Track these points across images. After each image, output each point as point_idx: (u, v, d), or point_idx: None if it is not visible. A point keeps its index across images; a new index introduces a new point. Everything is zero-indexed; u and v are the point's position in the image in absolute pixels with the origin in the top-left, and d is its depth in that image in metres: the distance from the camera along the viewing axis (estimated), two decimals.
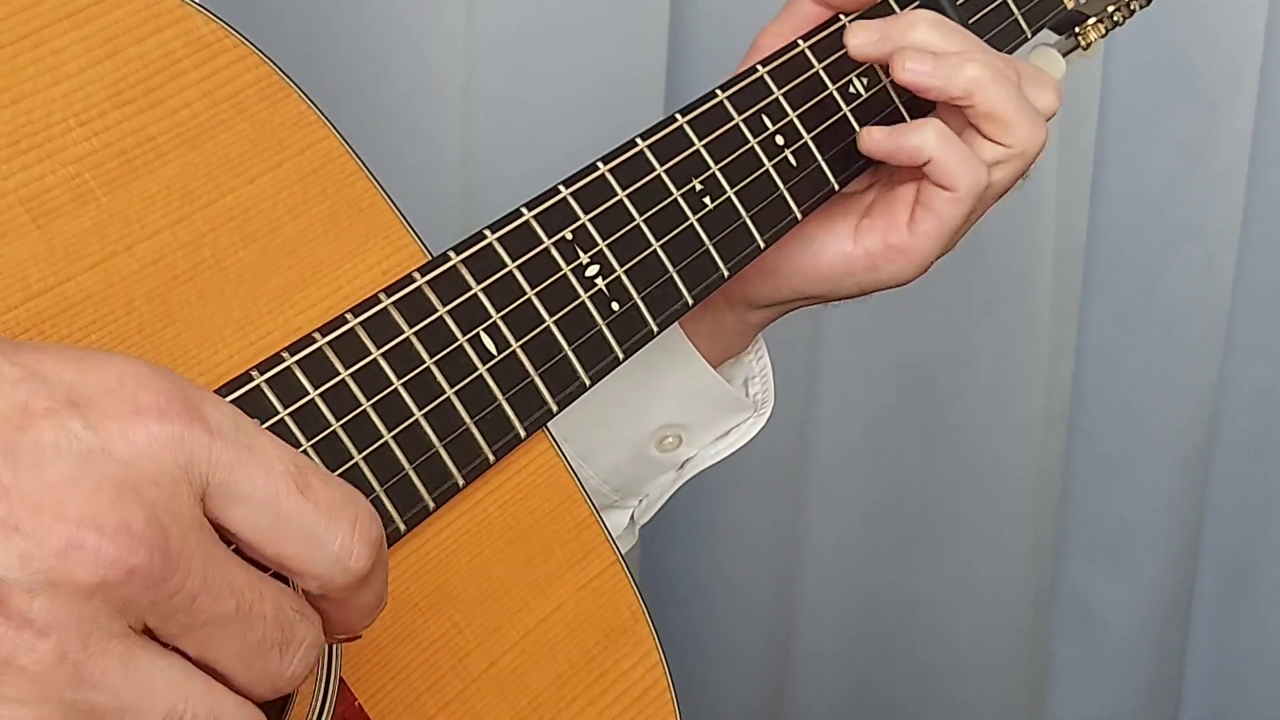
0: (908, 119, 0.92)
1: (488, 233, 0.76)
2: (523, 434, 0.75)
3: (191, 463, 0.53)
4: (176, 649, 0.53)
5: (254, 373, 0.67)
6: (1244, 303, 1.92)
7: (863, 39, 0.90)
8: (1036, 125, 0.90)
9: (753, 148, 0.86)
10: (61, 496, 0.51)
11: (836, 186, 0.89)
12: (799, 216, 0.87)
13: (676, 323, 0.96)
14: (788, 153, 0.88)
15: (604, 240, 0.79)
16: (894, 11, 0.93)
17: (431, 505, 0.71)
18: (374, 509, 0.57)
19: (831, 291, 0.94)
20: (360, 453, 0.69)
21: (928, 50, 0.89)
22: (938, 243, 0.91)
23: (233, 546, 0.55)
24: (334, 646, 0.68)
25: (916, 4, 0.94)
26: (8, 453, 0.51)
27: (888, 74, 0.91)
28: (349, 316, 0.70)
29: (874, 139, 0.90)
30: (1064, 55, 1.01)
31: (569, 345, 0.77)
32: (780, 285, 0.94)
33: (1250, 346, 1.95)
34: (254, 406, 0.67)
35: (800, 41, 0.90)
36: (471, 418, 0.73)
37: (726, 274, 0.84)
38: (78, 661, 0.51)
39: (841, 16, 0.92)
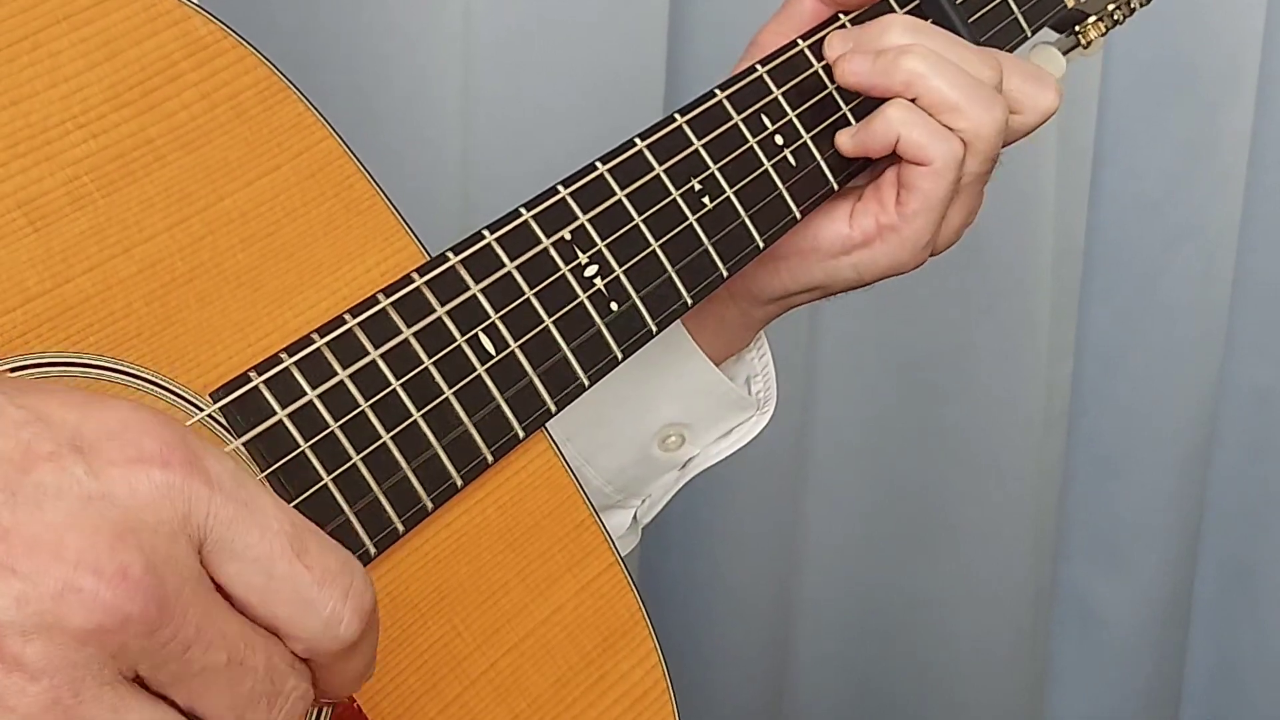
0: None
1: (486, 233, 0.76)
2: (521, 434, 0.75)
3: (190, 514, 0.53)
4: (165, 698, 0.53)
5: (252, 374, 0.67)
6: (1243, 303, 1.92)
7: (836, 48, 0.90)
8: (988, 106, 0.89)
9: (752, 147, 0.86)
10: (60, 538, 0.51)
11: (835, 186, 0.89)
12: (798, 216, 0.87)
13: (679, 321, 0.96)
14: (787, 152, 0.87)
15: (603, 240, 0.79)
16: (894, 12, 0.93)
17: (430, 506, 0.71)
18: (369, 578, 0.57)
19: (832, 280, 0.94)
20: (359, 453, 0.69)
21: (875, 49, 0.89)
22: (926, 219, 0.90)
23: None
24: None
25: (915, 3, 0.94)
26: (8, 494, 0.51)
27: None
28: (347, 317, 0.70)
29: (844, 140, 0.90)
30: (1064, 54, 1.01)
31: (568, 345, 0.77)
32: (781, 275, 0.94)
33: (1250, 346, 1.95)
34: (253, 407, 0.67)
35: (800, 41, 0.90)
36: (470, 418, 0.73)
37: (725, 274, 0.84)
38: (69, 707, 0.51)
39: (841, 15, 0.92)
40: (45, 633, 0.50)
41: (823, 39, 0.90)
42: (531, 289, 0.76)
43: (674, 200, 0.82)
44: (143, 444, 0.53)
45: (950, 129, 0.89)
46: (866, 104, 0.91)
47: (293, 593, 0.55)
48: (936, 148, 0.88)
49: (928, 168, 0.89)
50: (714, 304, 0.97)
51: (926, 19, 0.94)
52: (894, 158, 0.90)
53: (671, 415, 0.99)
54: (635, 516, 1.03)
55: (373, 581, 0.57)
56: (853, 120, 0.90)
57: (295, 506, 0.66)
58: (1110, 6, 1.03)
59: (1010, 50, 0.97)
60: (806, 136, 0.88)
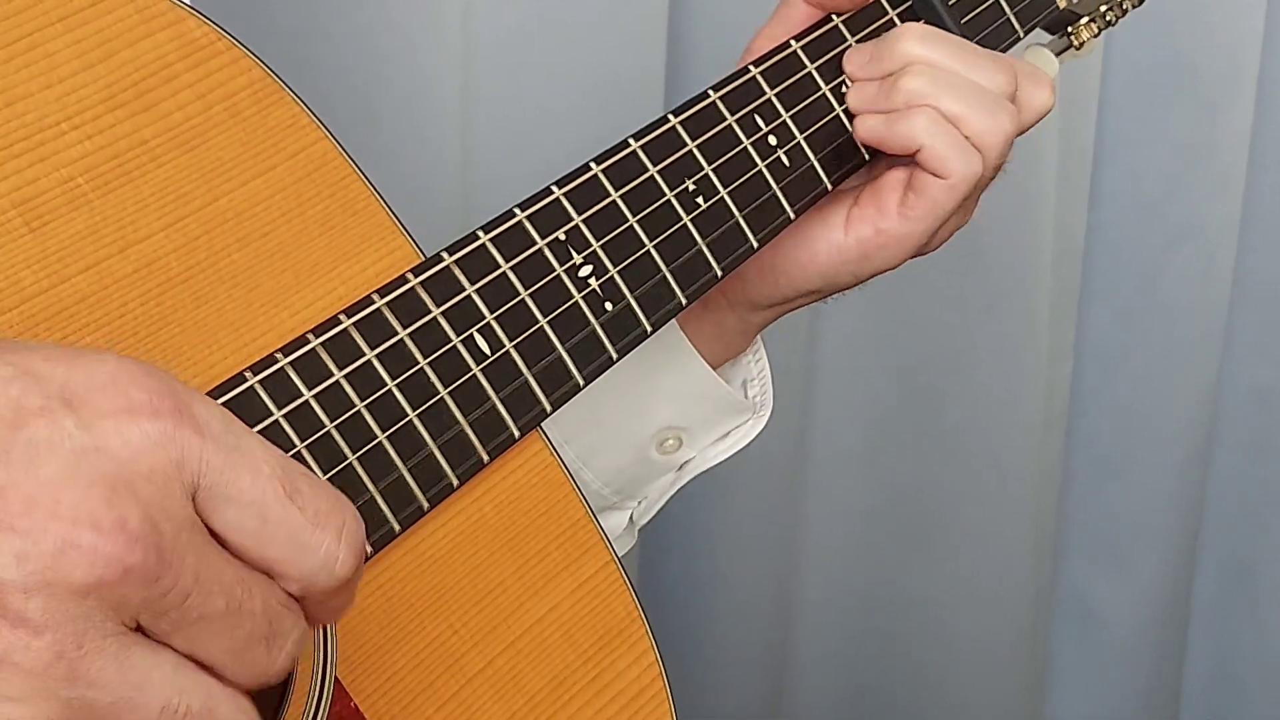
0: None
1: (481, 233, 0.76)
2: (517, 434, 0.75)
3: (183, 461, 0.53)
4: (167, 644, 0.54)
5: (248, 374, 0.67)
6: (1243, 303, 1.92)
7: (856, 63, 0.90)
8: (995, 116, 0.89)
9: (745, 148, 0.86)
10: (56, 494, 0.51)
11: (829, 186, 0.89)
12: (792, 216, 0.88)
13: (676, 324, 0.96)
14: (780, 153, 0.88)
15: (597, 240, 0.79)
16: (886, 13, 0.93)
17: (426, 506, 0.71)
18: (359, 514, 0.57)
19: (828, 285, 0.94)
20: (354, 453, 0.69)
21: (886, 69, 0.90)
22: (927, 225, 0.90)
23: None
24: (329, 648, 0.68)
25: (907, 4, 0.94)
26: (2, 451, 0.51)
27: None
28: (343, 317, 0.70)
29: (867, 125, 0.90)
30: (1057, 55, 1.01)
31: (562, 345, 0.77)
32: (778, 282, 0.94)
33: (1250, 346, 1.95)
34: (248, 407, 0.67)
35: (793, 42, 0.90)
36: (465, 418, 0.73)
37: (720, 274, 0.84)
38: (73, 660, 0.51)
39: (834, 17, 0.92)
40: (46, 589, 0.51)
41: (817, 39, 0.90)
42: (526, 289, 0.76)
43: (668, 201, 0.83)
44: (131, 394, 0.53)
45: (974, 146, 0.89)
46: None
47: (287, 535, 0.55)
48: (957, 162, 0.88)
49: (945, 180, 0.89)
50: (711, 310, 0.97)
51: (918, 20, 0.94)
52: (894, 158, 0.91)
53: (668, 418, 0.99)
54: (632, 518, 1.03)
55: (361, 517, 0.57)
56: (846, 121, 0.90)
57: None
58: (1102, 7, 1.03)
59: (1003, 51, 0.98)
60: (800, 137, 0.88)
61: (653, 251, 0.81)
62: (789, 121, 0.88)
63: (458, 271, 0.74)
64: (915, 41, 0.90)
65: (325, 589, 0.56)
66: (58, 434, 0.52)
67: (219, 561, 0.54)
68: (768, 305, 0.97)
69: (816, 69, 0.90)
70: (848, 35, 0.91)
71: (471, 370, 0.74)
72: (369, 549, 0.69)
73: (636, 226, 0.81)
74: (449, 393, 0.73)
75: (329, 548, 0.55)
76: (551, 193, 0.78)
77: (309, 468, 0.68)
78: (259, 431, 0.66)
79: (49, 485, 0.51)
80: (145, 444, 0.53)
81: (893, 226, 0.90)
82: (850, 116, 0.90)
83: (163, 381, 0.54)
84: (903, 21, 0.94)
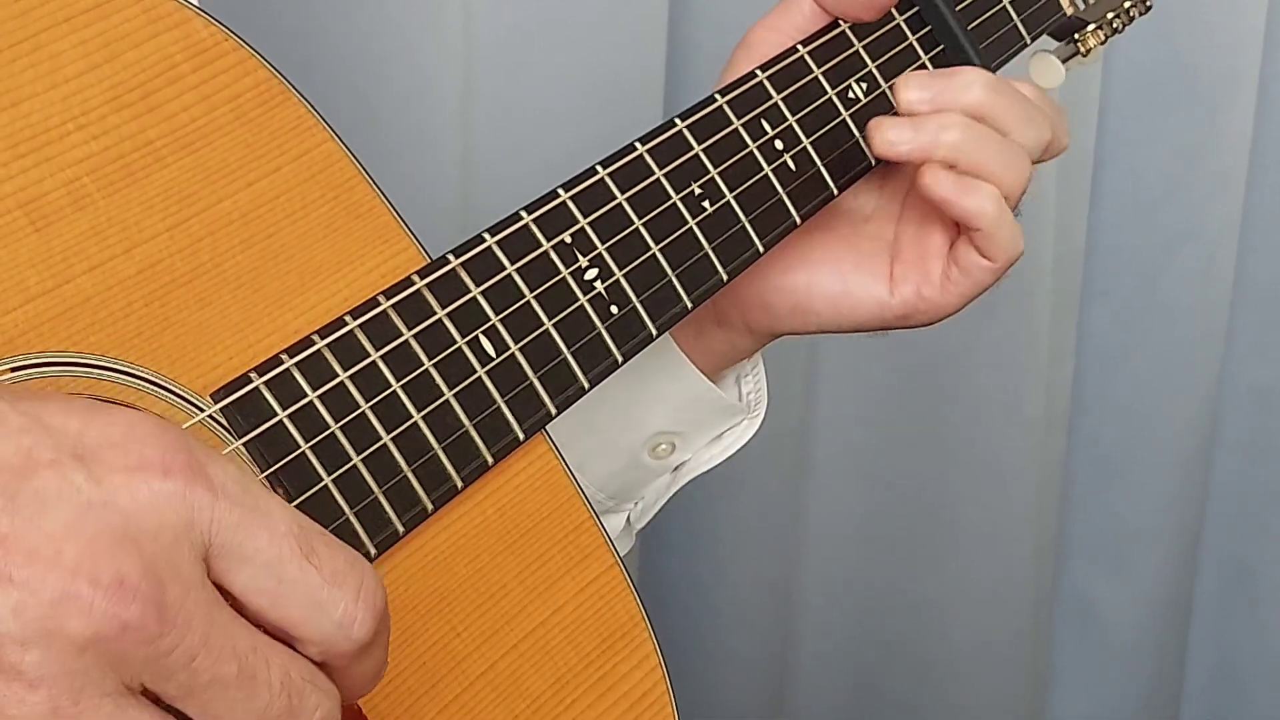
0: None
1: (487, 236, 0.76)
2: (521, 436, 0.75)
3: (194, 521, 0.53)
4: (180, 711, 0.53)
5: (253, 374, 0.67)
6: (1244, 303, 1.92)
7: (914, 93, 0.90)
8: (1019, 168, 0.89)
9: (752, 152, 0.86)
10: (58, 546, 0.51)
11: (836, 192, 0.89)
12: (798, 221, 0.87)
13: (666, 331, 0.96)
14: (787, 157, 0.87)
15: (603, 244, 0.79)
16: (894, 19, 0.93)
17: (430, 507, 0.71)
18: (378, 576, 0.56)
19: (857, 329, 0.95)
20: (359, 454, 0.69)
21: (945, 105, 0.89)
22: (967, 300, 0.92)
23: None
24: None
25: (915, 10, 0.94)
26: (8, 500, 0.51)
27: (890, 85, 0.91)
28: (348, 319, 0.70)
29: (939, 180, 0.88)
30: (1063, 62, 1.01)
31: (568, 348, 0.77)
32: (809, 323, 0.95)
33: (1250, 347, 1.95)
34: (253, 408, 0.67)
35: (800, 46, 0.90)
36: (470, 420, 0.73)
37: (725, 278, 0.84)
38: (68, 715, 0.51)
39: (840, 22, 0.91)
40: (43, 641, 0.50)
41: (824, 44, 0.90)
42: (532, 291, 0.76)
43: (674, 204, 0.82)
44: (144, 452, 0.53)
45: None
46: (867, 110, 0.91)
47: (304, 595, 0.54)
48: (1008, 250, 0.89)
49: (990, 265, 0.89)
50: (728, 332, 0.97)
51: (926, 27, 0.94)
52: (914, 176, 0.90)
53: (661, 424, 0.99)
54: (629, 520, 1.03)
55: (381, 579, 0.57)
56: (853, 125, 0.90)
57: (295, 507, 0.67)
58: (1109, 15, 1.03)
59: (1009, 59, 0.97)
60: (806, 142, 0.88)
61: (658, 255, 0.81)
62: (795, 126, 0.88)
63: (463, 274, 0.74)
64: (982, 89, 0.89)
65: (345, 652, 0.55)
66: (66, 487, 0.52)
67: (230, 624, 0.53)
68: (774, 336, 0.97)
69: (823, 74, 0.90)
70: (854, 40, 0.91)
71: (476, 372, 0.74)
72: (373, 551, 0.69)
73: (642, 230, 0.81)
74: (454, 395, 0.73)
75: (346, 609, 0.55)
76: (558, 195, 0.78)
77: (314, 468, 0.68)
78: (264, 432, 0.67)
79: (52, 537, 0.51)
80: (154, 502, 0.52)
81: (934, 295, 0.92)
82: (856, 122, 0.90)
83: (178, 440, 0.54)
84: (910, 29, 0.93)
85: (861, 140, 0.90)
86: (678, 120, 0.84)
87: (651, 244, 0.81)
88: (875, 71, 0.92)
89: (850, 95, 0.91)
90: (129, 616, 0.51)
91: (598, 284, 0.79)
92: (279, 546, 0.54)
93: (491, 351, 0.74)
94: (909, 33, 0.94)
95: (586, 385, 0.78)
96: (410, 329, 0.72)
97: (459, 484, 0.72)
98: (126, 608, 0.51)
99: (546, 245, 0.77)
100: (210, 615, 0.52)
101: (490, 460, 0.74)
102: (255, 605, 0.54)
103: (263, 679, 0.53)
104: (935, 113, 0.88)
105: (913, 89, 0.90)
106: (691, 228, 0.83)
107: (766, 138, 0.87)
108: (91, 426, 0.53)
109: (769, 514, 1.71)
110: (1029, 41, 0.99)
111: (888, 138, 0.88)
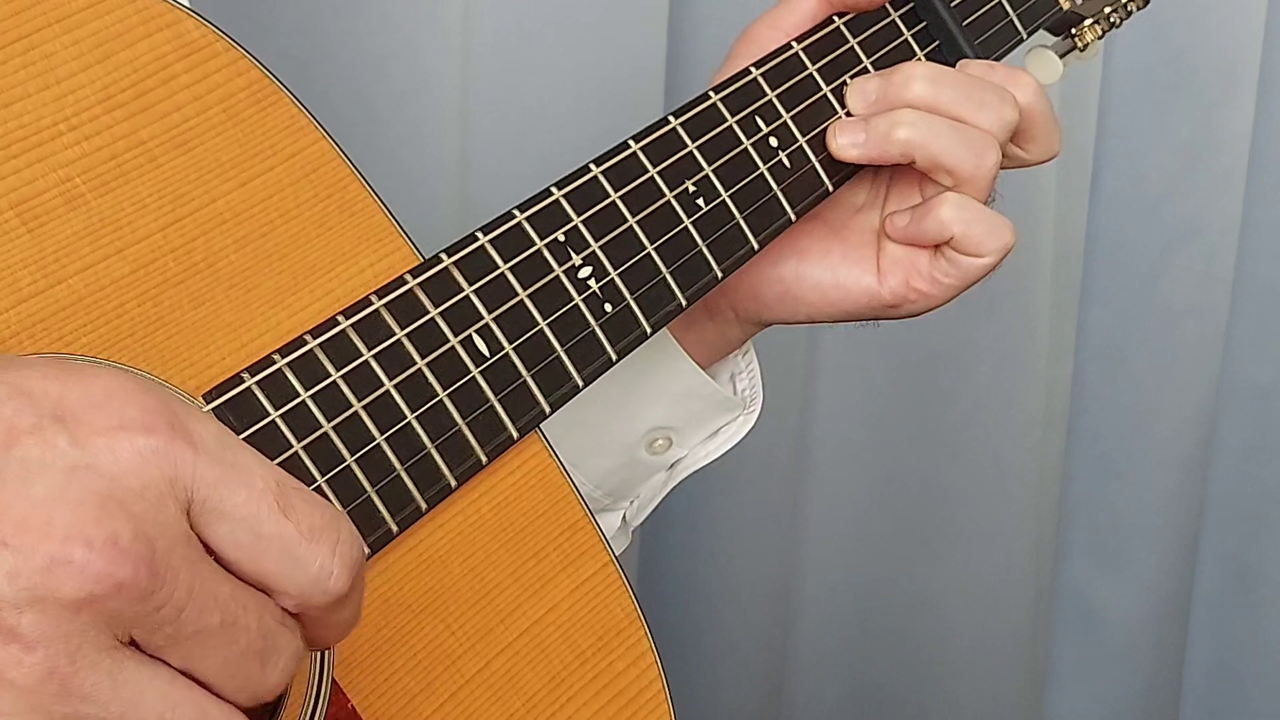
0: None
1: (480, 234, 0.76)
2: (515, 435, 0.75)
3: (176, 477, 0.53)
4: (161, 660, 0.54)
5: (245, 374, 0.67)
6: (1243, 303, 1.92)
7: (857, 100, 0.90)
8: (980, 154, 0.89)
9: (746, 149, 0.86)
10: (47, 512, 0.51)
11: (831, 188, 0.89)
12: (793, 218, 0.87)
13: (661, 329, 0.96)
14: (782, 154, 0.87)
15: (597, 242, 0.79)
16: (889, 15, 0.93)
17: (424, 506, 0.71)
18: (355, 530, 0.57)
19: (847, 319, 0.95)
20: (352, 455, 0.69)
21: (861, 116, 0.90)
22: (960, 290, 0.92)
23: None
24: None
25: (909, 6, 0.94)
26: None
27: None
28: (340, 318, 0.70)
29: (894, 226, 0.91)
30: (1060, 57, 1.01)
31: (561, 347, 0.77)
32: (798, 312, 0.95)
33: (1250, 347, 1.95)
34: (245, 408, 0.67)
35: (794, 43, 0.90)
36: (464, 419, 0.73)
37: (720, 275, 0.84)
38: (66, 675, 0.51)
39: (835, 18, 0.92)
40: (38, 604, 0.51)
41: (819, 41, 0.90)
42: (525, 290, 0.76)
43: (668, 202, 0.82)
44: (125, 411, 0.53)
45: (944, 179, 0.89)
46: None
47: (281, 549, 0.55)
48: (992, 242, 0.89)
49: (980, 259, 0.90)
50: (717, 322, 0.97)
51: (921, 22, 0.94)
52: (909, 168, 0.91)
53: (657, 419, 0.99)
54: (625, 518, 1.03)
55: (359, 534, 0.57)
56: None
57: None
58: (1107, 9, 1.03)
59: (1006, 53, 0.97)
60: (801, 139, 0.88)
61: (653, 253, 0.81)
62: (790, 123, 0.88)
63: (456, 272, 0.74)
64: (924, 81, 0.89)
65: (320, 605, 0.56)
66: (50, 452, 0.52)
67: (214, 577, 0.54)
68: (765, 325, 0.97)
69: (818, 70, 0.90)
70: (849, 36, 0.91)
71: (470, 371, 0.74)
72: (367, 551, 0.69)
73: (636, 228, 0.81)
74: (447, 394, 0.73)
75: (323, 563, 0.55)
76: (551, 194, 0.78)
77: (306, 468, 0.68)
78: (256, 432, 0.67)
79: (41, 503, 0.51)
80: (137, 460, 0.53)
81: (924, 286, 0.92)
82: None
83: (158, 398, 0.54)
84: (905, 25, 0.93)
85: None
86: (671, 118, 0.84)
87: (645, 242, 0.81)
88: (871, 68, 0.92)
89: (845, 90, 0.91)
90: (123, 576, 0.51)
91: (591, 282, 0.79)
92: (256, 503, 0.55)
93: (485, 350, 0.74)
94: (904, 28, 0.94)
95: (580, 384, 0.78)
96: (403, 328, 0.72)
97: (453, 483, 0.72)
98: (120, 567, 0.51)
99: (540, 243, 0.77)
100: (195, 569, 0.53)
101: (484, 459, 0.74)
102: (233, 558, 0.55)
103: (241, 624, 0.54)
104: (884, 111, 0.89)
105: (855, 94, 0.90)
106: (686, 225, 0.83)
107: (761, 134, 0.87)
108: (71, 389, 0.54)
109: (768, 513, 1.71)
110: (1025, 36, 0.99)
111: (840, 142, 0.89)
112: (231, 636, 0.54)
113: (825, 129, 0.89)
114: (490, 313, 0.75)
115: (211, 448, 0.54)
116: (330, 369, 0.69)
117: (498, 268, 0.76)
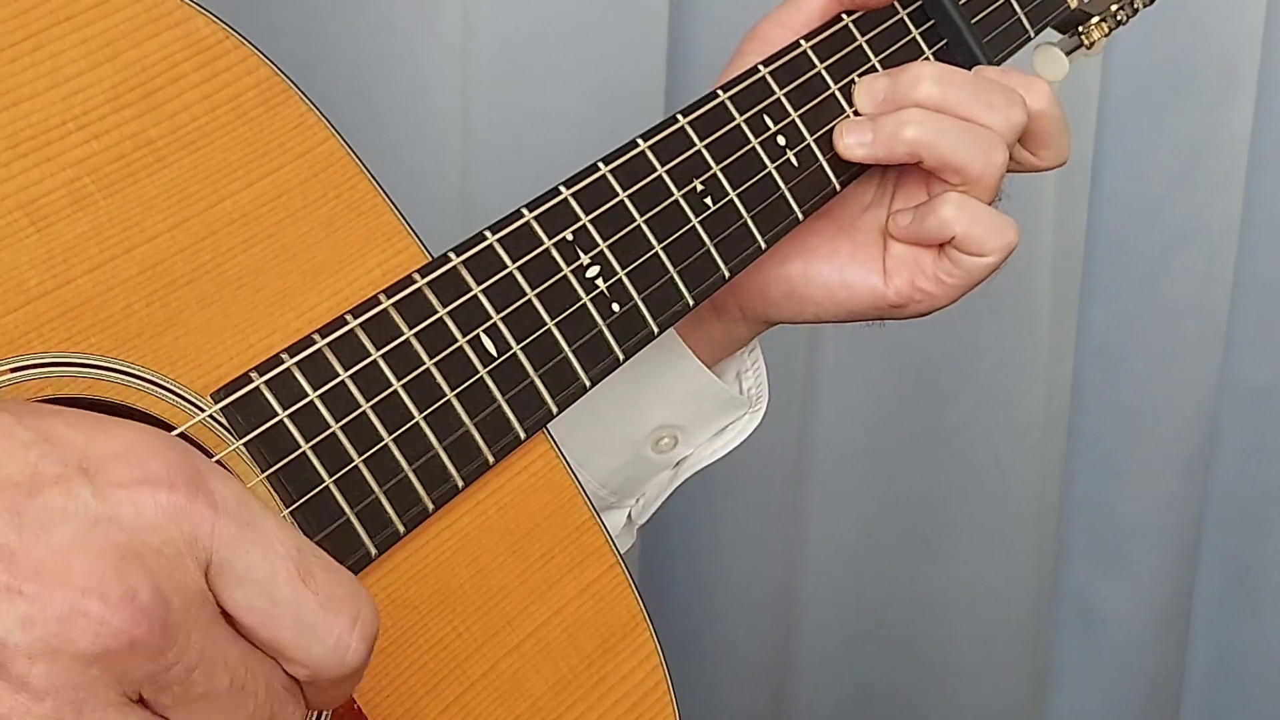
0: None
1: (488, 234, 0.76)
2: (522, 435, 0.75)
3: (196, 536, 0.53)
4: (166, 719, 0.53)
5: (253, 374, 0.67)
6: (1243, 303, 1.92)
7: (864, 101, 0.90)
8: (988, 154, 0.89)
9: (754, 148, 0.86)
10: (66, 560, 0.51)
11: (838, 187, 0.89)
12: (800, 217, 0.87)
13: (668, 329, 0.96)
14: (789, 153, 0.87)
15: (605, 241, 0.79)
16: (897, 12, 0.93)
17: (431, 507, 0.71)
18: (374, 604, 0.56)
19: (853, 318, 0.95)
20: (360, 454, 0.69)
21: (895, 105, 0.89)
22: (965, 290, 0.92)
23: None
24: None
25: (918, 4, 0.94)
26: (14, 514, 0.51)
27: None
28: (349, 318, 0.70)
29: (898, 225, 0.91)
30: (1067, 54, 1.01)
31: (569, 346, 0.77)
32: (805, 311, 0.95)
33: (1250, 347, 1.95)
34: (254, 408, 0.67)
35: (802, 41, 0.89)
36: (471, 419, 0.73)
37: (727, 275, 0.84)
38: None
39: (843, 16, 0.91)
40: (51, 655, 0.51)
41: (827, 39, 0.90)
42: (533, 290, 0.76)
43: (676, 201, 0.82)
44: (149, 466, 0.53)
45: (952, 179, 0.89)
46: None
47: (296, 617, 0.55)
48: (995, 240, 0.89)
49: (983, 259, 0.90)
50: (723, 321, 0.97)
51: (930, 20, 0.94)
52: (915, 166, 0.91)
53: (663, 417, 0.99)
54: (630, 516, 1.03)
55: (377, 609, 0.57)
56: None
57: (296, 508, 0.67)
58: (1113, 7, 1.03)
59: (1013, 51, 0.97)
60: (810, 138, 0.88)
61: (660, 253, 0.81)
62: (798, 122, 0.88)
63: (464, 272, 0.74)
64: (932, 80, 0.89)
65: (333, 678, 0.56)
66: (72, 502, 0.52)
67: (225, 639, 0.54)
68: (770, 324, 0.97)
69: (826, 69, 0.90)
70: (858, 35, 0.91)
71: (478, 371, 0.74)
72: (374, 551, 0.69)
73: (644, 227, 0.81)
74: (455, 394, 0.73)
75: (340, 636, 0.55)
76: (559, 193, 0.78)
77: (314, 468, 0.67)
78: (264, 431, 0.66)
79: (60, 552, 0.51)
80: (158, 516, 0.53)
81: (929, 286, 0.92)
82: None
83: (181, 455, 0.54)
84: (914, 23, 0.93)
85: None
86: (680, 116, 0.84)
87: (653, 241, 0.81)
88: (878, 66, 0.92)
89: (853, 90, 0.91)
90: (137, 633, 0.51)
91: (599, 282, 0.78)
92: (274, 566, 0.54)
93: (493, 350, 0.74)
94: (912, 27, 0.94)
95: (588, 383, 0.77)
96: (411, 328, 0.72)
97: (460, 483, 0.72)
98: (136, 625, 0.51)
99: (548, 243, 0.77)
100: (209, 630, 0.53)
101: (491, 459, 0.73)
102: (247, 622, 0.54)
103: (250, 690, 0.54)
104: (892, 111, 0.89)
105: (864, 93, 0.90)
106: (694, 225, 0.83)
107: (769, 133, 0.87)
108: (96, 440, 0.53)
109: (769, 514, 1.71)
110: (1033, 34, 0.99)
111: (847, 142, 0.89)
112: (239, 701, 0.54)
113: (833, 128, 0.89)
114: (498, 312, 0.75)
115: (232, 508, 0.54)
116: (338, 368, 0.69)
117: (506, 267, 0.75)
